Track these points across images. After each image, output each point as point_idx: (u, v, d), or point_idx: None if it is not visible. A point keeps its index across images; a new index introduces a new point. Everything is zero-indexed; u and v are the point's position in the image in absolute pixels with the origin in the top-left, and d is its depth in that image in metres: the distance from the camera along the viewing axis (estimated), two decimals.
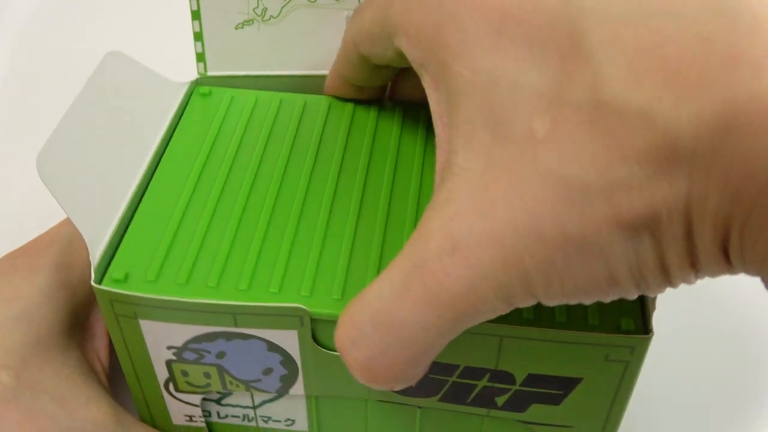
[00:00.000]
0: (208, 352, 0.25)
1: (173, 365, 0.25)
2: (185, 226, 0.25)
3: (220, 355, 0.25)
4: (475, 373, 0.24)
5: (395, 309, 0.19)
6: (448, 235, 0.18)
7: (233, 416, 0.28)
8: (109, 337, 0.28)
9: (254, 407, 0.28)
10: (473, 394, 0.25)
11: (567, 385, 0.24)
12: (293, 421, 0.28)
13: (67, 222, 0.29)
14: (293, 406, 0.27)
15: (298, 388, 0.26)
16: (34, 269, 0.28)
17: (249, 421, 0.28)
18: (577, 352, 0.23)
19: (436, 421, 0.27)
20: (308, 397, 0.27)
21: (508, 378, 0.24)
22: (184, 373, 0.26)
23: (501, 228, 0.17)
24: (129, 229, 0.25)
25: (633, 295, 0.18)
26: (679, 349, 0.35)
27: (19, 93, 0.46)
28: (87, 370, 0.28)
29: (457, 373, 0.24)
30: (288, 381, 0.26)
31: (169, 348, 0.25)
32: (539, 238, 0.17)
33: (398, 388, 0.21)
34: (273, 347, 0.24)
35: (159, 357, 0.25)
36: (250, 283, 0.24)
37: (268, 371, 0.25)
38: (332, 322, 0.22)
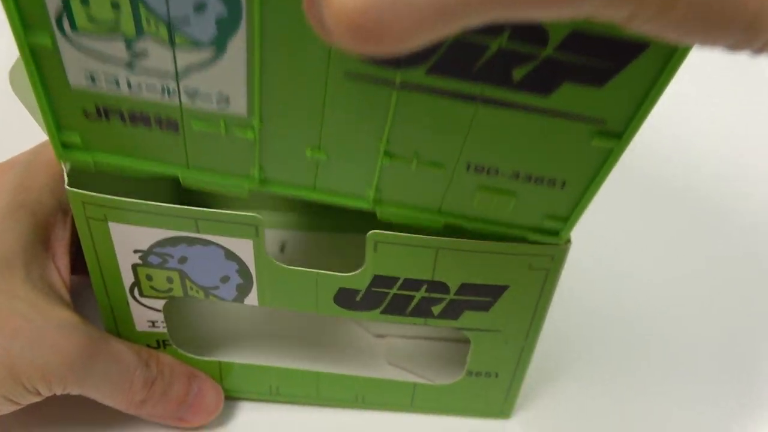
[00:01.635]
0: (171, 256, 0.27)
1: (138, 269, 0.28)
2: None
3: (182, 260, 0.27)
4: (414, 284, 0.27)
5: None
6: None
7: (149, 87, 0.22)
8: (71, 256, 0.30)
9: (177, 76, 0.22)
10: (411, 306, 0.28)
11: (495, 292, 0.27)
12: (227, 98, 0.22)
13: (26, 152, 0.31)
14: (229, 76, 0.22)
15: (252, 298, 0.28)
16: None
17: (169, 95, 0.23)
18: (503, 262, 0.26)
19: (416, 105, 0.22)
20: (249, 67, 0.21)
21: (443, 288, 0.27)
22: (149, 278, 0.28)
23: None
24: None
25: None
26: (679, 346, 0.37)
27: None
28: (50, 286, 0.29)
29: (398, 285, 0.27)
30: (243, 291, 0.28)
31: (136, 252, 0.27)
32: None
33: (386, 50, 0.14)
34: (230, 255, 0.27)
35: (126, 261, 0.27)
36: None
37: (225, 279, 0.28)
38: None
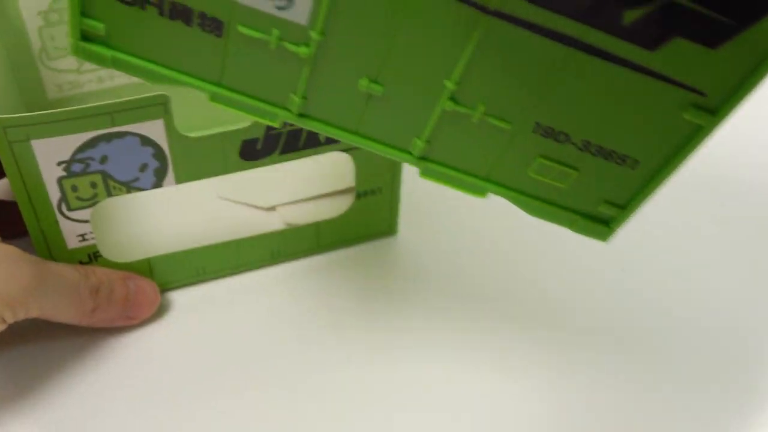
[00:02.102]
0: (93, 158, 0.31)
1: (64, 182, 0.31)
2: None
3: (103, 159, 0.31)
4: None
5: None
6: None
7: None
8: None
9: None
10: (302, 139, 0.29)
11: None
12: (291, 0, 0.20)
13: None
14: None
15: (169, 179, 0.32)
16: None
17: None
18: None
19: (505, 39, 0.20)
20: None
21: None
22: (74, 188, 0.31)
23: None
24: None
25: None
26: (680, 345, 0.36)
27: None
28: None
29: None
30: (160, 174, 0.32)
31: (60, 164, 0.30)
32: None
33: None
34: (145, 140, 0.31)
35: (51, 176, 0.30)
36: None
37: (143, 167, 0.32)
38: None
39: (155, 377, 0.34)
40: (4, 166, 0.30)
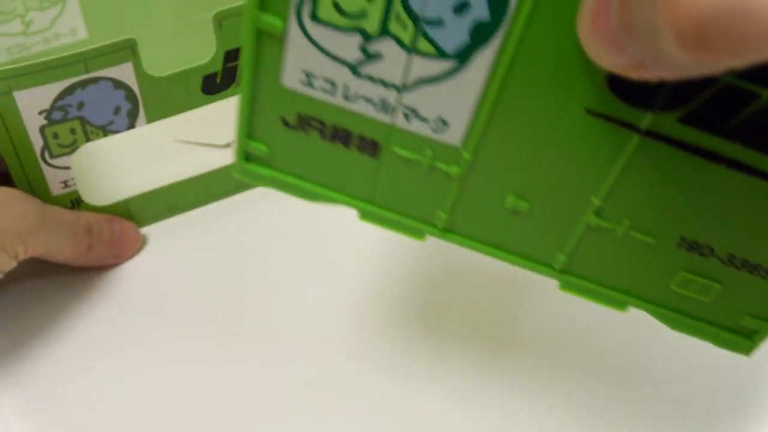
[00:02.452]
0: (71, 105, 0.33)
1: (46, 130, 0.33)
2: None
3: (80, 105, 0.33)
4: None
5: None
6: None
7: (366, 98, 0.21)
8: None
9: (402, 89, 0.20)
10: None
11: None
12: (446, 122, 0.21)
13: None
14: (457, 96, 0.20)
15: (141, 119, 0.35)
16: None
17: (386, 112, 0.21)
18: None
19: (653, 158, 0.20)
20: (486, 86, 0.20)
21: None
22: (55, 136, 0.34)
23: None
24: None
25: None
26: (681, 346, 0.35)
27: None
28: None
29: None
30: (133, 115, 0.35)
31: (41, 113, 0.33)
32: None
33: (734, 63, 0.13)
34: (117, 84, 0.33)
35: (33, 126, 0.33)
36: None
37: (117, 110, 0.34)
38: None
39: (150, 307, 0.37)
40: None
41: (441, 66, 0.19)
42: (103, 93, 0.33)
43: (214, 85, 0.36)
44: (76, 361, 0.35)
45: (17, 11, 0.43)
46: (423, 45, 0.19)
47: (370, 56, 0.20)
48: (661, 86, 0.18)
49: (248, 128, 0.22)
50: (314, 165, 0.23)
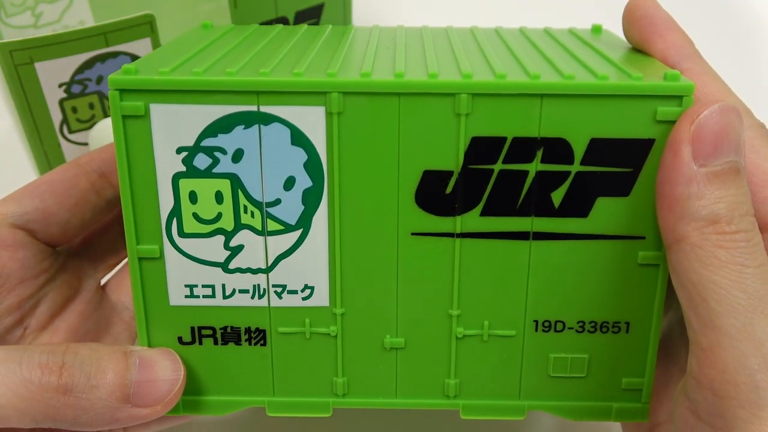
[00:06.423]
0: (90, 79, 0.34)
1: (65, 103, 0.34)
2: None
3: (99, 80, 0.34)
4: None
5: None
6: None
7: (241, 290, 0.24)
8: None
9: (267, 269, 0.24)
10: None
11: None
12: (312, 288, 0.24)
13: None
14: (312, 261, 0.24)
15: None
16: None
17: (261, 296, 0.24)
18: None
19: (477, 253, 0.23)
20: (330, 245, 0.24)
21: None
22: (74, 110, 0.34)
23: None
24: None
25: None
26: None
27: None
28: None
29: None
30: None
31: (61, 86, 0.33)
32: None
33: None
34: (135, 59, 0.34)
35: (53, 99, 0.34)
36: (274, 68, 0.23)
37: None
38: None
39: None
40: (11, 92, 0.33)
41: (291, 238, 0.23)
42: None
43: None
44: None
45: (27, 4, 0.44)
46: (271, 225, 0.23)
47: (234, 250, 0.24)
48: (453, 192, 0.22)
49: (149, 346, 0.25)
50: (214, 375, 0.25)
